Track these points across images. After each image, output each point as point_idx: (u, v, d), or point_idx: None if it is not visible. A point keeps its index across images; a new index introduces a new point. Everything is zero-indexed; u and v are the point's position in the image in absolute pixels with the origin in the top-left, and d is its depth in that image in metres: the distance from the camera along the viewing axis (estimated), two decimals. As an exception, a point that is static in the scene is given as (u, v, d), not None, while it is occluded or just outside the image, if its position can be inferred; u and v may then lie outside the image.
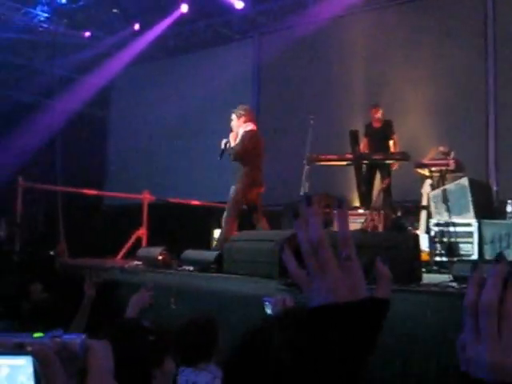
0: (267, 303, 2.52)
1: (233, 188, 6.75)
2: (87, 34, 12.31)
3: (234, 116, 6.87)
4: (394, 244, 4.57)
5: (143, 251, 6.72)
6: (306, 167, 7.09)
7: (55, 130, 12.50)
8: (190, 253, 5.93)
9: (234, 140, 6.77)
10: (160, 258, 6.08)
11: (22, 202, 8.86)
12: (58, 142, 12.62)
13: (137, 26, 11.99)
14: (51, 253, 8.60)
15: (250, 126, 6.81)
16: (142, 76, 12.98)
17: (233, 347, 1.03)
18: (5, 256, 7.87)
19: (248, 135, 6.70)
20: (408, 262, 4.46)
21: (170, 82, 12.67)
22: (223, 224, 6.68)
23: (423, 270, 4.86)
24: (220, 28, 12.13)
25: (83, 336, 0.87)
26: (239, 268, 5.21)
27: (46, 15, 12.15)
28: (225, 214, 6.73)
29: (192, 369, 3.23)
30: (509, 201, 6.55)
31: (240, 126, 6.78)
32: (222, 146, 6.85)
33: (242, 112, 6.85)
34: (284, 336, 0.90)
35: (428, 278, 4.73)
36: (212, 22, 12.06)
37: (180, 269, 5.84)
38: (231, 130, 6.89)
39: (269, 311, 2.50)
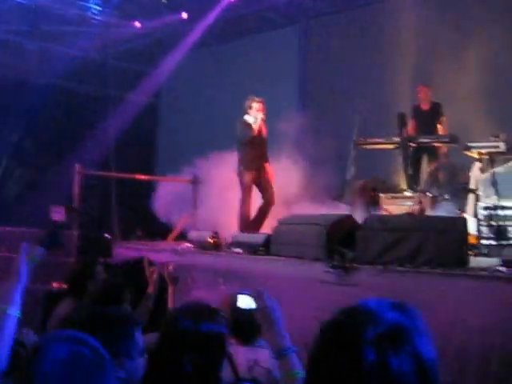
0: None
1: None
2: (137, 24, 12.53)
3: (261, 105, 7.52)
4: (442, 227, 4.57)
5: (194, 234, 6.91)
6: (352, 152, 7.10)
7: (115, 120, 12.92)
8: (239, 235, 6.07)
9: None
10: (211, 240, 6.27)
11: (78, 188, 9.18)
12: (111, 130, 12.98)
13: (184, 15, 12.12)
14: (107, 236, 8.90)
15: None
16: (189, 63, 13.13)
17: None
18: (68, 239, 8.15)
19: None
20: (457, 246, 4.46)
21: (218, 69, 12.79)
22: None
23: (471, 253, 4.83)
24: (267, 13, 12.14)
25: None
26: (287, 250, 5.33)
27: (98, 8, 12.45)
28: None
29: (248, 347, 3.11)
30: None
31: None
32: None
33: None
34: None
35: (475, 261, 4.71)
36: (259, 7, 12.06)
37: (229, 251, 5.99)
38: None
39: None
